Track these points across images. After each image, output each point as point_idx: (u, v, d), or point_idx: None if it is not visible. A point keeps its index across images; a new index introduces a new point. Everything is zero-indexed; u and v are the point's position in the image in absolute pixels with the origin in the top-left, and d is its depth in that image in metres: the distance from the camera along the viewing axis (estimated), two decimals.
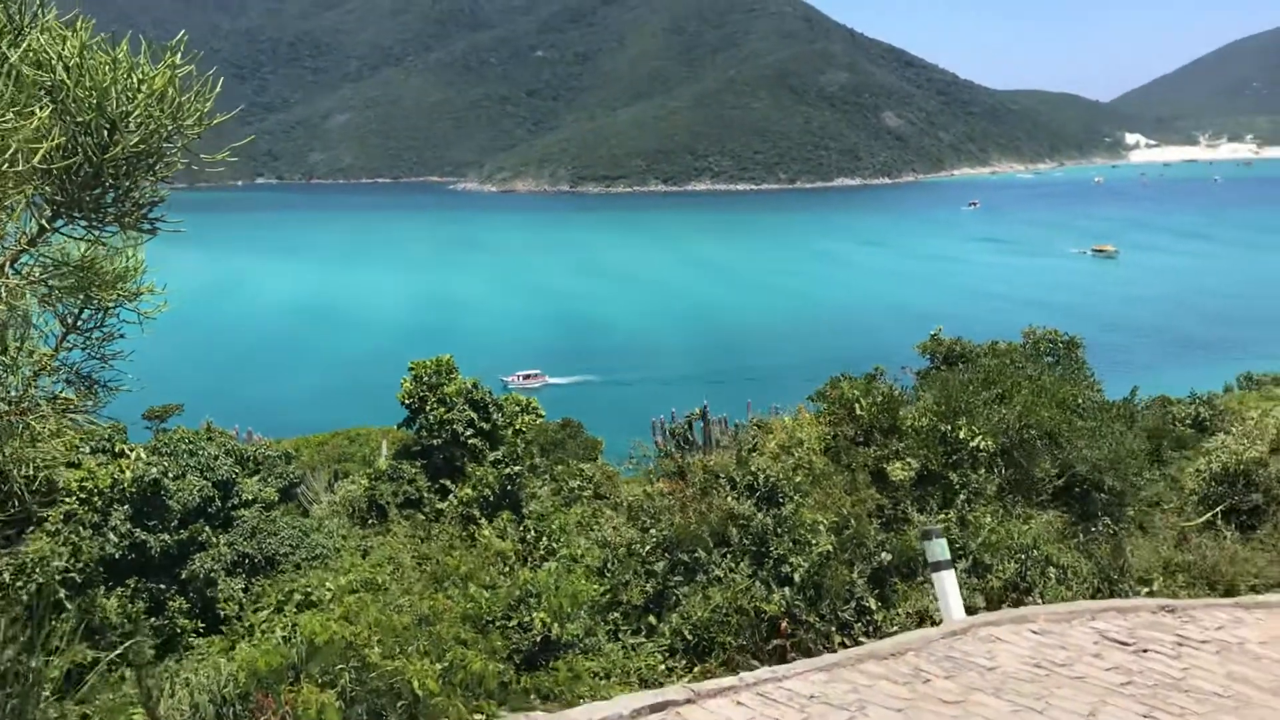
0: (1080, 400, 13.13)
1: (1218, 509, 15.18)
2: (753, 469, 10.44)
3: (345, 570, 13.13)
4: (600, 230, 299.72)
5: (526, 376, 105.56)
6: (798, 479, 10.37)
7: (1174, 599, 12.35)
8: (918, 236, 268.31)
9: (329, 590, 9.29)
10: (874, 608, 9.66)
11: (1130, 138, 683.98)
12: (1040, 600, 10.58)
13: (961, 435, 11.27)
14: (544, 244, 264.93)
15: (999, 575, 10.35)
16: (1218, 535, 14.90)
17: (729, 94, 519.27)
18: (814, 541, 9.63)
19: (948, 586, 7.94)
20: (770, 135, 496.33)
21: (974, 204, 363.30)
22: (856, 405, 11.85)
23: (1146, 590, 11.54)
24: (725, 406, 50.24)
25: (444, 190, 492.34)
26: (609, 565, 10.03)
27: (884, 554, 9.93)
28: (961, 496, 11.02)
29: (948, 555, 8.22)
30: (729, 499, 10.36)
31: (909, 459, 10.98)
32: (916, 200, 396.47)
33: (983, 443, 11.26)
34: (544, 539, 10.48)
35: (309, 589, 9.31)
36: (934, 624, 10.08)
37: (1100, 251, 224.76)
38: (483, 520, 12.90)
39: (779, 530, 9.80)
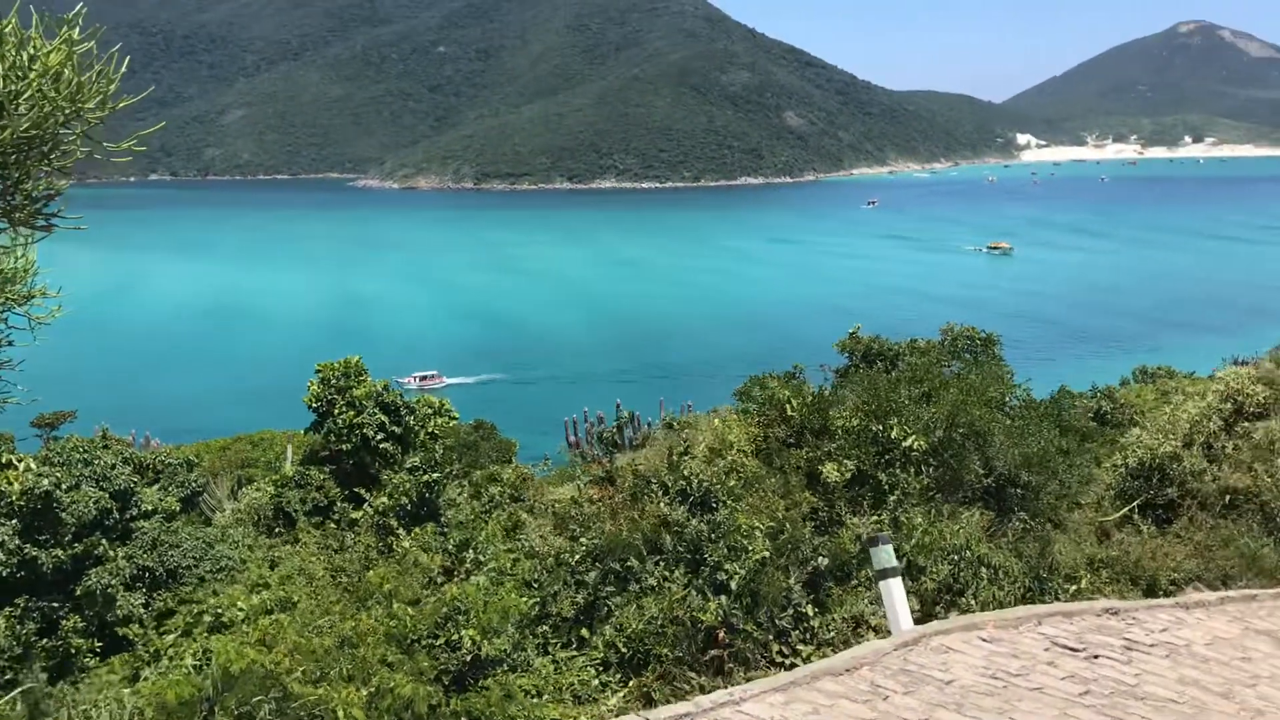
0: (1007, 398, 13.16)
1: (1134, 504, 15.35)
2: (685, 473, 10.13)
3: (256, 584, 12.49)
4: (510, 227, 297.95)
5: (424, 378, 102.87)
6: (731, 483, 10.09)
7: (1107, 598, 12.43)
8: (823, 234, 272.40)
9: (241, 610, 8.71)
10: (811, 614, 9.42)
11: (1022, 138, 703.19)
12: (974, 601, 10.48)
13: (893, 435, 11.13)
14: (452, 241, 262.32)
15: (933, 577, 10.21)
16: (1135, 530, 15.07)
17: (632, 92, 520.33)
18: (750, 548, 9.36)
19: (895, 595, 7.73)
20: (674, 134, 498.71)
21: (873, 202, 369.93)
22: (788, 406, 11.63)
23: (1074, 588, 11.53)
24: (637, 404, 50.08)
25: (345, 187, 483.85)
26: (538, 576, 9.63)
27: (820, 559, 9.70)
28: (894, 497, 10.86)
29: (895, 562, 8.01)
30: (661, 505, 10.04)
31: (843, 460, 10.78)
32: (819, 198, 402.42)
33: (914, 442, 11.12)
34: (470, 551, 10.03)
35: (219, 609, 8.69)
36: (872, 630, 9.91)
37: (996, 249, 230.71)
38: (401, 531, 12.35)
39: (713, 537, 9.51)
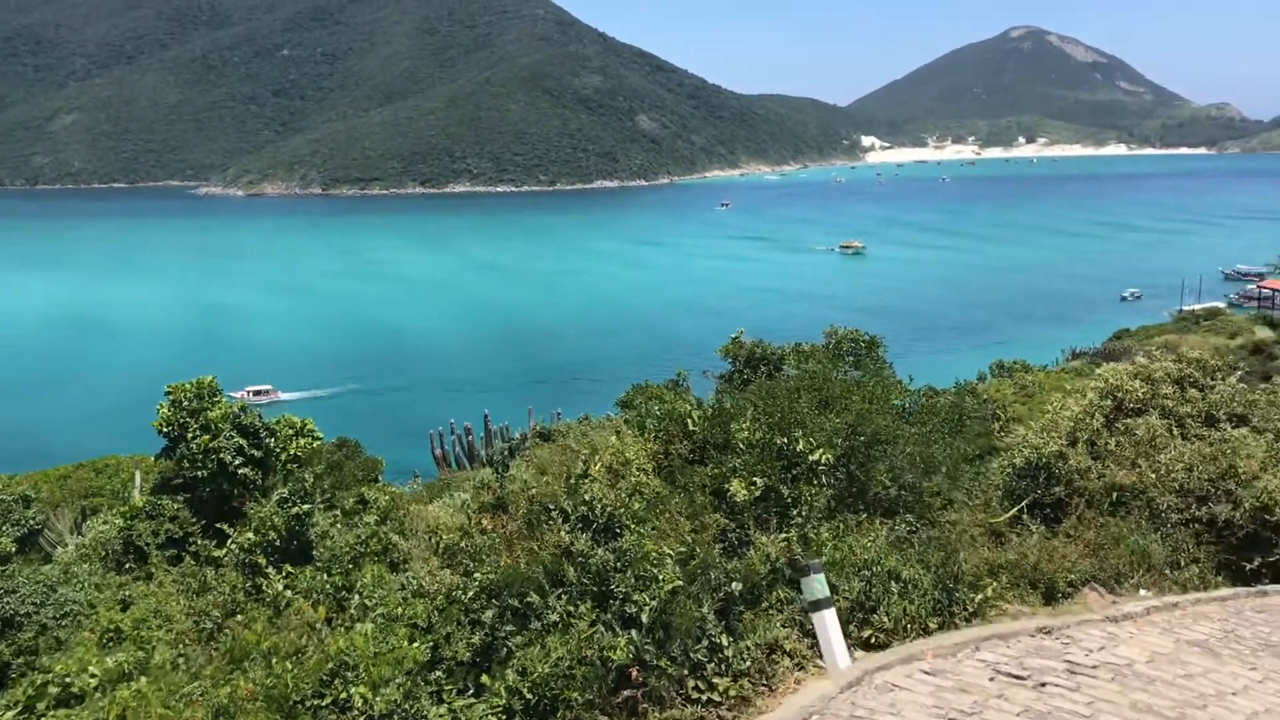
0: (907, 404, 12.87)
1: (1022, 504, 15.30)
2: (586, 497, 9.43)
3: (106, 631, 11.26)
4: (367, 233, 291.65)
5: (256, 393, 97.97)
6: (635, 506, 9.43)
7: (1010, 604, 12.26)
8: (685, 235, 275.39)
9: (94, 677, 7.62)
10: (725, 644, 8.84)
11: (866, 140, 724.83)
12: (887, 618, 10.09)
13: (799, 448, 10.65)
14: (307, 249, 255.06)
15: (845, 595, 9.76)
16: (1025, 530, 15.02)
17: (484, 95, 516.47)
18: (659, 576, 8.72)
19: (830, 628, 7.21)
20: (528, 137, 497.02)
21: (726, 204, 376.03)
22: (689, 420, 11.06)
23: (980, 597, 11.25)
24: (506, 413, 49.04)
25: (187, 195, 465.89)
26: (429, 617, 8.79)
27: (734, 584, 9.12)
28: (801, 513, 10.38)
29: (828, 592, 7.48)
30: (561, 533, 9.31)
31: (749, 476, 10.25)
32: (675, 201, 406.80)
33: (822, 456, 10.67)
34: (354, 595, 9.12)
35: (68, 677, 7.57)
36: (787, 655, 9.39)
37: (848, 248, 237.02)
38: (271, 570, 11.30)
39: (620, 566, 8.83)
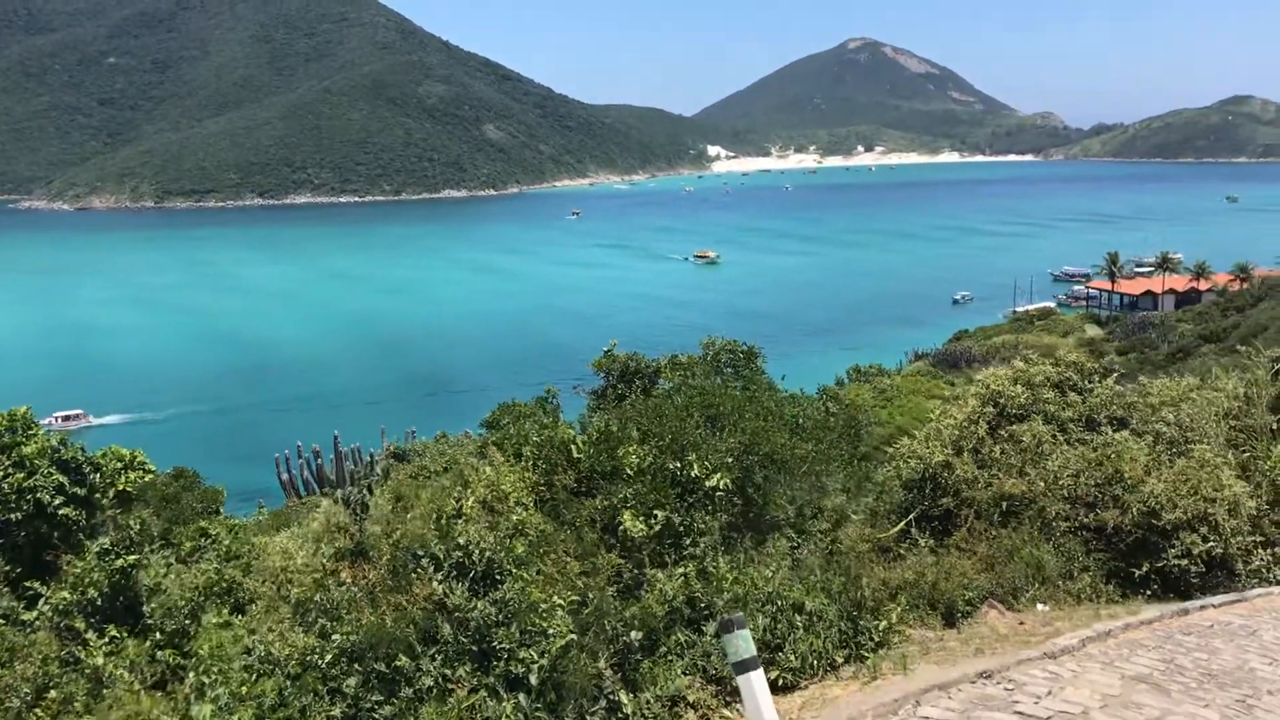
0: (801, 419, 12.10)
1: (910, 517, 14.74)
2: (460, 540, 8.26)
3: None
4: (212, 245, 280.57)
5: (66, 418, 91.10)
6: (518, 549, 8.32)
7: (912, 628, 11.59)
8: (542, 244, 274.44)
9: None
10: (625, 702, 7.82)
11: (712, 149, 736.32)
12: (793, 656, 9.24)
13: (695, 473, 9.71)
14: (146, 262, 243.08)
15: (751, 634, 8.85)
16: (913, 544, 14.46)
17: (325, 105, 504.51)
18: (549, 629, 7.63)
19: (759, 691, 6.26)
20: (372, 147, 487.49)
21: (576, 213, 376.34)
22: (573, 446, 9.99)
23: (884, 624, 10.51)
24: (358, 433, 46.96)
25: (7, 210, 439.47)
26: (282, 692, 7.49)
27: (633, 633, 8.10)
28: (702, 545, 9.43)
29: (754, 650, 6.54)
30: (434, 583, 8.12)
31: (642, 506, 9.24)
32: (527, 210, 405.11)
33: (720, 480, 9.74)
34: (193, 672, 7.75)
35: None
36: (691, 707, 8.43)
37: (703, 257, 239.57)
38: (92, 636, 9.73)
39: (503, 619, 7.71)
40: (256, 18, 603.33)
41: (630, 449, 9.93)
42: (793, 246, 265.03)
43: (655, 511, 9.16)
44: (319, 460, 40.68)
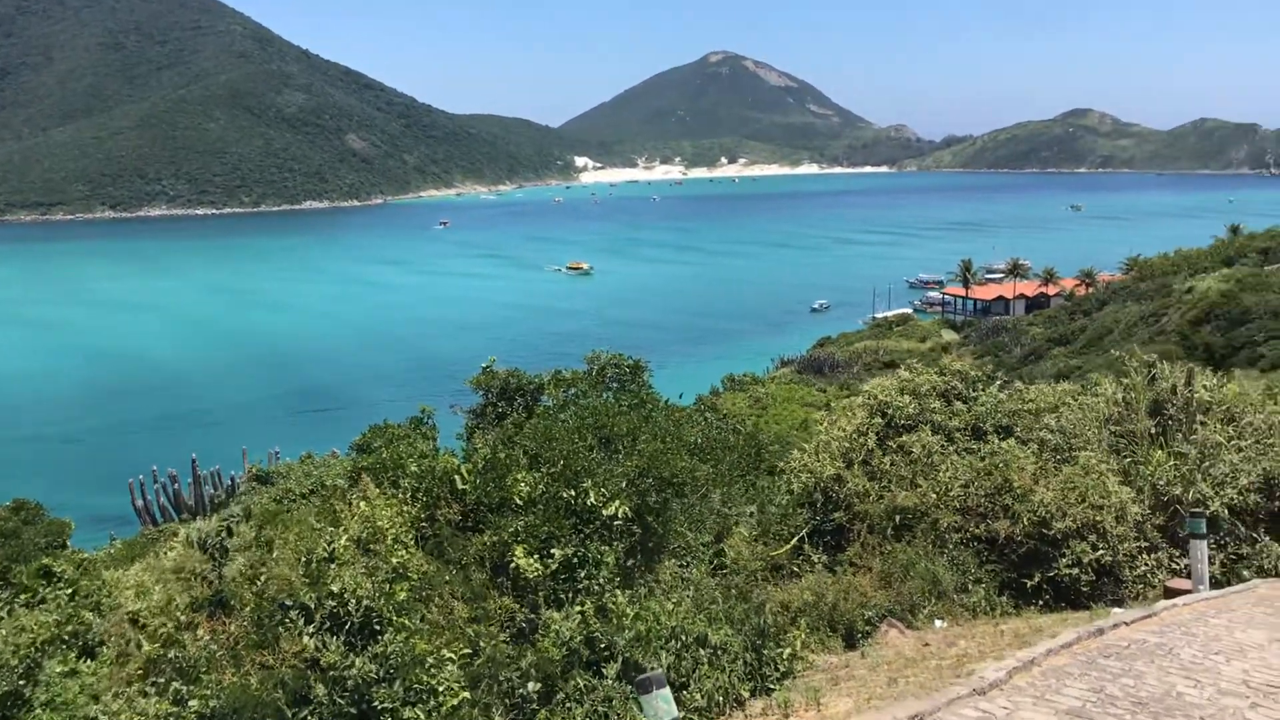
0: (700, 438, 11.51)
1: (802, 532, 14.35)
2: (334, 588, 7.40)
3: None
4: (65, 259, 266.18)
5: None
6: (400, 595, 7.49)
7: (814, 652, 11.12)
8: (409, 257, 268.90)
9: None
10: None
11: (580, 160, 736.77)
12: (699, 695, 8.63)
13: (591, 501, 9.02)
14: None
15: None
16: (807, 561, 14.07)
17: (180, 114, 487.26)
18: (437, 686, 6.84)
19: None
20: (229, 157, 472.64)
21: (444, 223, 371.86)
22: (458, 476, 9.18)
23: (788, 652, 10.00)
24: (217, 454, 44.63)
25: None
26: None
27: (530, 684, 7.36)
28: (600, 579, 8.73)
29: (675, 711, 5.89)
30: (305, 638, 7.24)
31: (539, 542, 8.50)
32: (392, 221, 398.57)
33: (618, 508, 9.07)
34: None
35: None
36: None
37: (575, 269, 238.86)
38: None
39: (385, 676, 6.89)
40: (105, 24, 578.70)
41: (520, 476, 9.19)
42: (663, 256, 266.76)
43: (550, 547, 8.43)
44: (176, 485, 38.48)
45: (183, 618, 7.99)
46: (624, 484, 9.51)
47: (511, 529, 8.65)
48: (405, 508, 8.92)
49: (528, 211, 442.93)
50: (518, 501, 9.06)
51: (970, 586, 13.36)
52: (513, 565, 8.38)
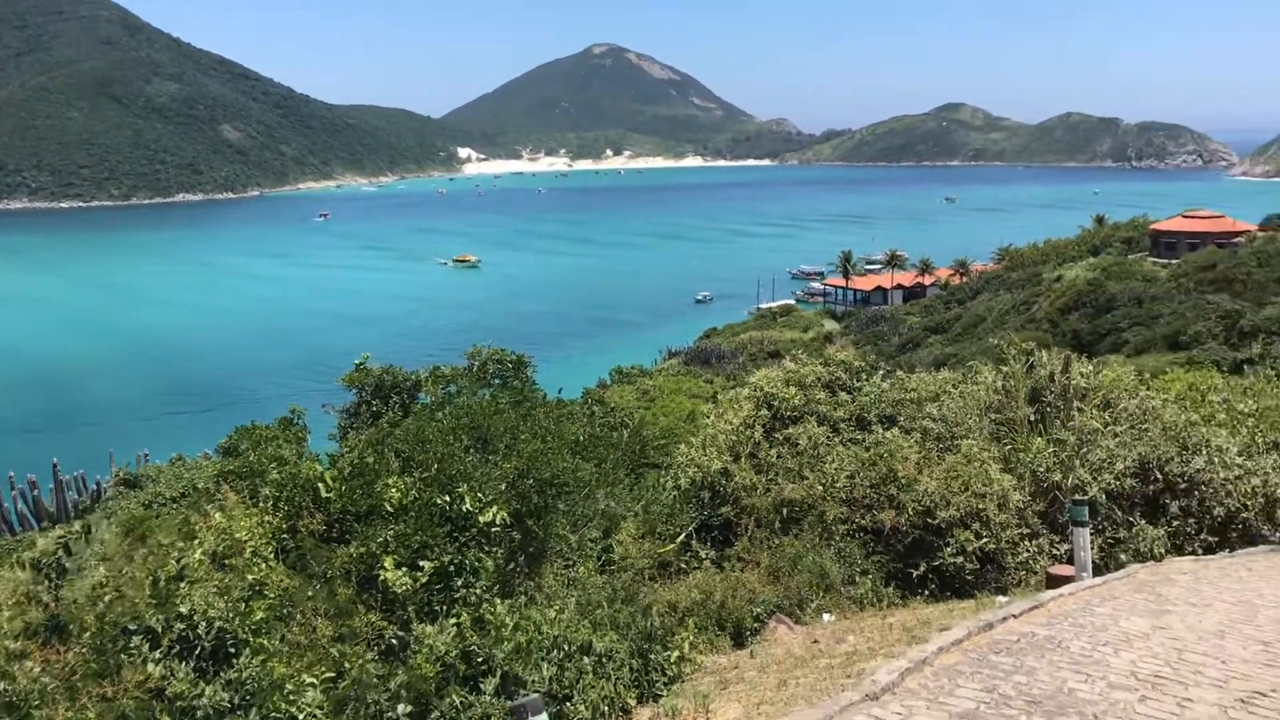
0: (583, 436, 11.05)
1: (689, 528, 14.08)
2: (183, 609, 6.79)
3: None
4: None
5: None
6: (257, 614, 6.92)
7: (702, 654, 10.82)
8: (288, 248, 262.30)
9: None
10: None
11: (463, 152, 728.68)
12: (583, 706, 8.25)
13: (467, 507, 8.54)
14: None
15: (536, 687, 7.81)
16: (695, 557, 13.82)
17: (40, 103, 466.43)
18: (298, 713, 6.32)
19: None
20: (96, 148, 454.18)
21: (324, 215, 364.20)
22: (322, 484, 8.60)
23: (677, 654, 9.70)
24: (81, 458, 42.46)
25: None
26: None
27: (400, 706, 6.88)
28: (477, 589, 8.26)
29: None
30: (150, 666, 6.62)
31: (411, 552, 7.99)
32: (271, 213, 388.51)
33: (496, 515, 8.61)
34: None
35: None
36: None
37: (463, 261, 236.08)
38: None
39: (240, 704, 6.34)
40: None
41: (390, 482, 8.66)
42: (551, 248, 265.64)
43: (422, 557, 7.93)
44: (35, 491, 36.50)
45: (12, 646, 7.25)
46: (503, 487, 9.05)
47: (380, 539, 8.12)
48: (266, 518, 8.32)
49: (411, 203, 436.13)
50: (388, 509, 8.53)
51: (857, 578, 13.28)
52: (383, 579, 7.85)
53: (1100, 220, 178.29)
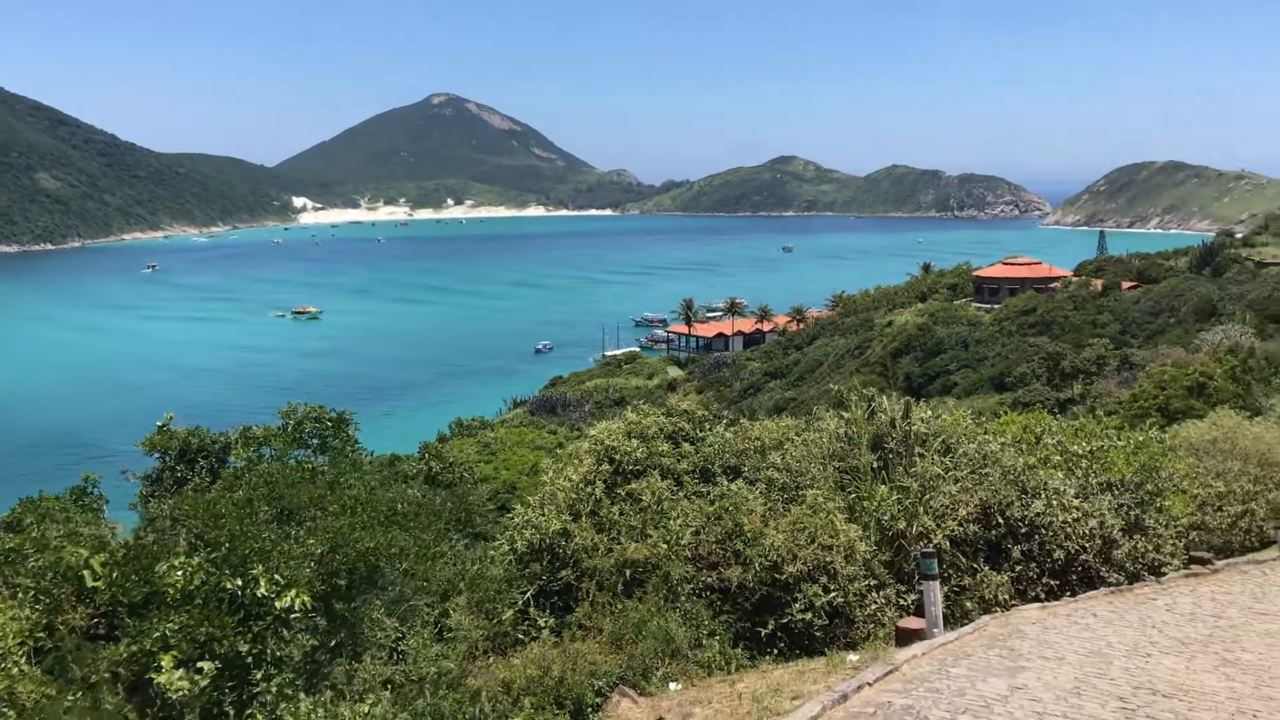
0: (402, 506, 9.98)
1: (528, 594, 13.20)
2: None
3: None
4: None
5: None
6: None
7: None
8: (111, 302, 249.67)
9: None
10: None
11: (298, 201, 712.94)
12: None
13: (262, 591, 7.50)
14: None
15: None
16: (533, 626, 12.93)
17: None
18: None
19: None
20: None
21: (152, 266, 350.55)
22: (87, 572, 7.42)
23: None
24: None
25: None
26: None
27: None
28: (275, 686, 7.22)
29: None
30: None
31: (195, 648, 6.90)
32: (94, 265, 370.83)
33: (295, 599, 7.58)
34: None
35: None
36: None
37: (303, 312, 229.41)
38: None
39: None
40: None
41: (175, 564, 7.55)
42: (393, 297, 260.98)
43: (208, 652, 6.85)
44: None
45: None
46: (309, 566, 8.03)
47: (157, 634, 7.01)
48: (20, 614, 7.10)
49: (245, 254, 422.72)
50: (170, 596, 7.41)
51: (704, 640, 12.62)
52: (158, 683, 6.74)
53: (927, 268, 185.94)
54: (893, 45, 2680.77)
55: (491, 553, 13.69)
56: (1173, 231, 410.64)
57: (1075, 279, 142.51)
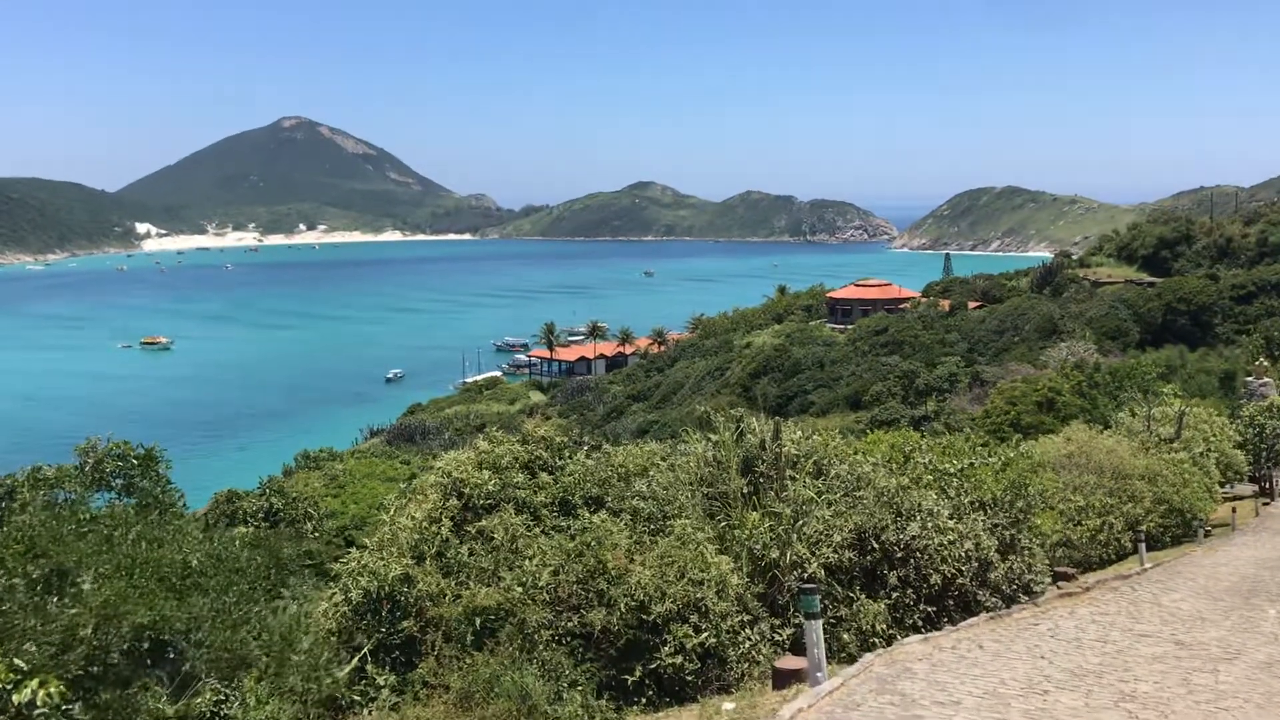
0: (195, 561, 8.35)
1: (363, 652, 11.73)
2: None
3: None
4: None
5: None
6: None
7: None
8: None
9: None
10: None
11: (141, 227, 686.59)
12: None
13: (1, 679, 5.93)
14: None
15: None
16: (371, 686, 11.46)
17: None
18: None
19: None
20: None
21: None
22: None
23: None
24: None
25: None
26: None
27: None
28: None
29: None
30: None
31: None
32: None
33: (38, 690, 6.03)
34: None
35: None
36: None
37: (152, 343, 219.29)
38: None
39: None
40: None
41: None
42: (235, 329, 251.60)
43: None
44: None
45: None
46: (68, 645, 6.48)
47: None
48: None
49: (83, 283, 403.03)
50: None
51: (565, 694, 11.38)
52: None
53: (783, 290, 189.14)
54: (743, 73, 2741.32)
55: (324, 604, 12.11)
56: (1012, 254, 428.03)
57: (924, 300, 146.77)
